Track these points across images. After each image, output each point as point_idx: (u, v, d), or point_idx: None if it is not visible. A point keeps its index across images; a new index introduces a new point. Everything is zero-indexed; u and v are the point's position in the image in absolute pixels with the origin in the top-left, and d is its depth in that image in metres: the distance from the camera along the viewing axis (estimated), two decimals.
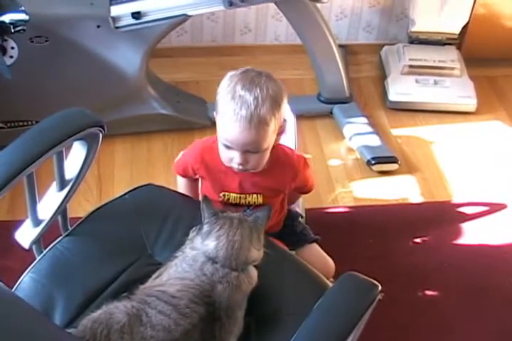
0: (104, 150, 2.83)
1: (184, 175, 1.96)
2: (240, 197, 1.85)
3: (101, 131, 1.72)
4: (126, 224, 1.80)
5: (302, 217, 2.16)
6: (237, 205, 1.87)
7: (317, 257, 2.04)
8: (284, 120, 1.78)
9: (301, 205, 2.25)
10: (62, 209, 1.78)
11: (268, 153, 1.75)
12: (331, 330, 1.32)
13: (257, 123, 1.64)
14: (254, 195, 1.85)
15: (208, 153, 1.83)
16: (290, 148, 1.93)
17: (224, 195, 1.86)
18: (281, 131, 1.77)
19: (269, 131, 1.67)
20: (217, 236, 1.54)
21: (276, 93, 1.69)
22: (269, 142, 1.71)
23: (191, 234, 1.68)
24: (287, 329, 1.49)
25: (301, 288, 1.69)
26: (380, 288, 1.39)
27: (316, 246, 2.09)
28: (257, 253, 1.56)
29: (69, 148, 1.73)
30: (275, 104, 1.67)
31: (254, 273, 1.57)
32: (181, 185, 2.01)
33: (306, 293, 1.65)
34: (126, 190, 1.91)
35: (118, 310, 1.43)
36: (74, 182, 1.76)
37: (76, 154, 1.76)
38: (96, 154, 1.78)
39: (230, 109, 1.64)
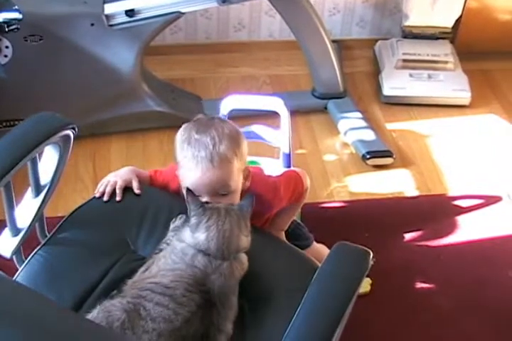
0: (99, 148, 2.85)
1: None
2: None
3: (73, 133, 1.72)
4: (105, 224, 1.79)
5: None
6: None
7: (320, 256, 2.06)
8: (248, 170, 1.74)
9: None
10: (39, 216, 1.78)
11: (238, 197, 1.71)
12: (336, 297, 1.37)
13: (219, 161, 1.62)
14: None
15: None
16: (263, 178, 1.86)
17: None
18: (247, 175, 1.74)
19: (233, 169, 1.66)
20: (206, 227, 1.54)
21: (233, 132, 1.68)
22: (236, 182, 1.68)
23: (172, 226, 1.69)
24: (280, 307, 1.55)
25: (289, 267, 1.71)
26: (372, 254, 1.44)
27: (315, 247, 2.12)
28: (246, 240, 1.57)
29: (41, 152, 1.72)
30: (234, 142, 1.66)
31: (244, 259, 1.59)
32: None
33: (294, 271, 1.68)
34: None
35: (115, 307, 1.43)
36: (49, 187, 1.76)
37: (49, 158, 1.76)
38: (68, 157, 1.78)
39: (189, 154, 1.63)
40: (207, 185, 1.64)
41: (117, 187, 1.80)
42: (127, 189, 1.83)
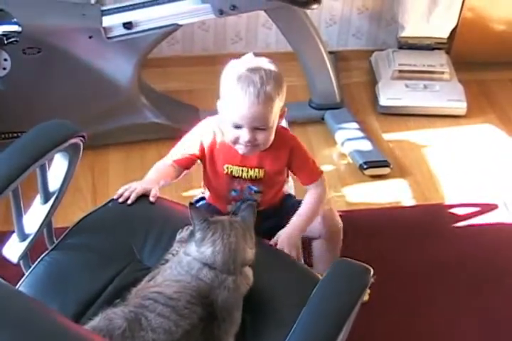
0: (98, 160, 2.85)
1: (180, 161, 1.98)
2: (242, 170, 1.93)
3: (82, 141, 1.74)
4: (112, 232, 1.81)
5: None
6: (239, 178, 1.94)
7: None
8: (285, 106, 1.87)
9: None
10: (47, 222, 1.79)
11: (274, 132, 1.84)
12: (332, 315, 1.37)
13: (264, 98, 1.75)
14: (256, 170, 1.93)
15: (218, 126, 1.92)
16: (283, 127, 2.01)
17: (227, 168, 1.93)
18: (282, 114, 1.87)
19: (274, 108, 1.79)
20: (212, 241, 1.55)
21: (278, 75, 1.80)
22: (274, 119, 1.81)
23: (178, 236, 1.71)
24: (281, 320, 1.55)
25: (291, 280, 1.73)
26: (372, 271, 1.45)
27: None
28: (251, 253, 1.58)
29: (50, 159, 1.74)
30: (278, 84, 1.79)
31: (250, 273, 1.59)
32: (159, 169, 1.99)
33: (296, 285, 1.70)
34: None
35: (116, 315, 1.43)
36: (58, 194, 1.78)
37: (58, 166, 1.78)
38: (77, 165, 1.80)
39: (238, 88, 1.75)
40: (249, 118, 1.77)
41: (134, 191, 1.86)
42: (143, 197, 1.86)
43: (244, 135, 1.80)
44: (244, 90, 1.74)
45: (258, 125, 1.79)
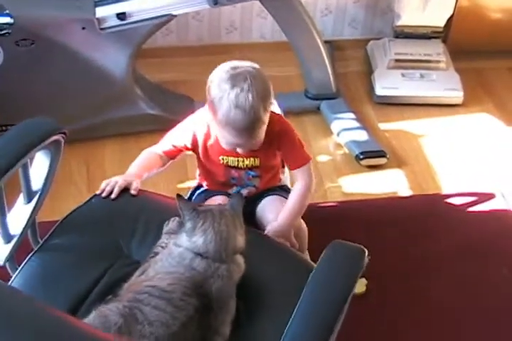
0: (93, 152, 2.84)
1: (169, 152, 2.00)
2: (237, 161, 1.96)
3: (63, 138, 1.72)
4: (97, 228, 1.79)
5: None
6: (236, 168, 1.98)
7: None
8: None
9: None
10: (31, 222, 1.77)
11: (264, 134, 1.85)
12: (331, 297, 1.39)
13: (257, 127, 1.78)
14: (252, 159, 1.96)
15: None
16: (274, 112, 1.95)
17: (223, 159, 1.96)
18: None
19: (265, 125, 1.82)
20: (203, 230, 1.55)
21: (265, 91, 1.78)
22: (264, 129, 1.83)
23: (165, 229, 1.70)
24: (275, 307, 1.56)
25: (284, 267, 1.73)
26: (367, 252, 1.47)
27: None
28: (242, 240, 1.59)
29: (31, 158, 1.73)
30: (266, 102, 1.79)
31: (241, 260, 1.60)
32: (144, 160, 1.99)
33: (289, 271, 1.70)
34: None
35: (111, 312, 1.43)
36: (41, 193, 1.76)
37: (40, 164, 1.76)
38: (60, 162, 1.78)
39: (230, 122, 1.75)
40: (241, 145, 1.85)
41: (117, 185, 1.84)
42: (126, 191, 1.85)
43: (240, 149, 1.87)
44: (237, 126, 1.75)
45: (251, 146, 1.86)
